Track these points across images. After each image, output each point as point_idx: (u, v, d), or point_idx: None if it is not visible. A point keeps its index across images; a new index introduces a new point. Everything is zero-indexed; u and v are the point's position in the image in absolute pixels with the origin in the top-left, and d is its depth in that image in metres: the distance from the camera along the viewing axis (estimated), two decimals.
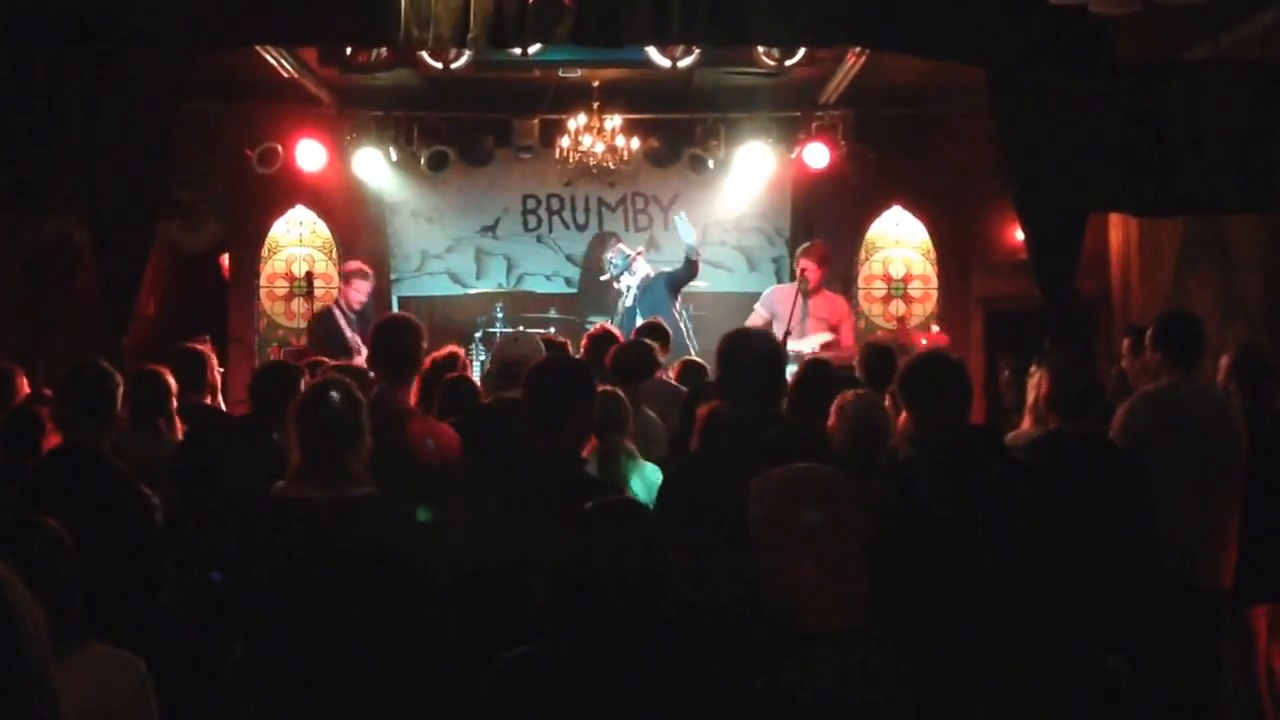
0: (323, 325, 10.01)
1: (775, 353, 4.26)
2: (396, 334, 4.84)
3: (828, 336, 9.13)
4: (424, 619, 3.92)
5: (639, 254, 10.27)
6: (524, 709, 2.74)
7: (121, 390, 4.53)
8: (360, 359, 9.25)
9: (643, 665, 2.72)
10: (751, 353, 4.14)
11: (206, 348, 6.99)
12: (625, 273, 10.10)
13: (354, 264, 10.58)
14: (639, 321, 9.11)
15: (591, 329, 7.53)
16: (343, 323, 9.87)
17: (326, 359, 9.10)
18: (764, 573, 2.83)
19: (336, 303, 10.25)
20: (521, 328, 10.22)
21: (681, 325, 10.05)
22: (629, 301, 10.03)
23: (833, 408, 4.96)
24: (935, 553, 3.80)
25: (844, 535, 2.79)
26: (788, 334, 8.74)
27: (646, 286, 9.97)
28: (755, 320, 9.35)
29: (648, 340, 6.82)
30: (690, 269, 10.04)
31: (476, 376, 9.64)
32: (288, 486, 3.89)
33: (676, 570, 3.01)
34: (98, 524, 4.04)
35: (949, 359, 4.46)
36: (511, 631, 3.00)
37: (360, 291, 10.15)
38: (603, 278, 10.47)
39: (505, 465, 4.17)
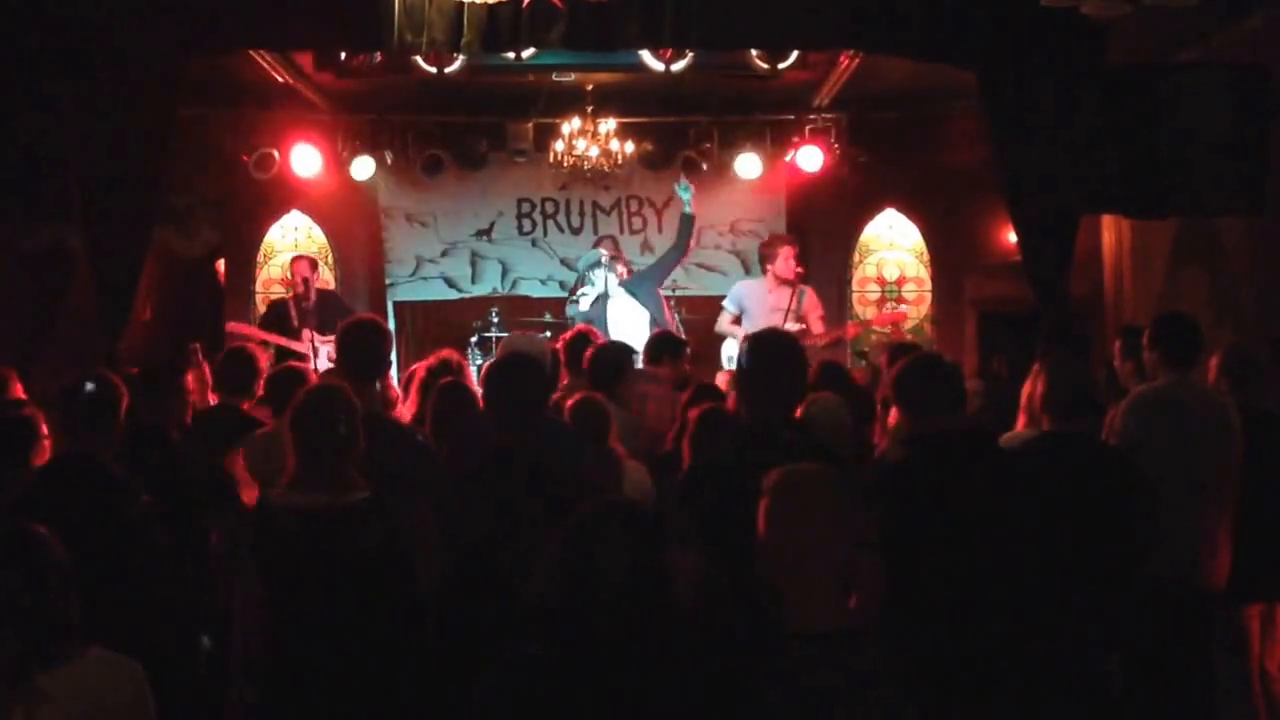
0: (272, 312, 10.19)
1: (797, 356, 4.25)
2: (363, 335, 4.83)
3: (799, 326, 9.17)
4: (421, 622, 3.94)
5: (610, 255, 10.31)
6: (517, 712, 2.74)
7: (126, 400, 4.55)
8: (302, 346, 9.39)
9: (636, 667, 2.73)
10: (776, 356, 4.14)
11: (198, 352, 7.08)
12: (587, 280, 10.13)
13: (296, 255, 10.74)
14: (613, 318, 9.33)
15: (566, 332, 7.54)
16: (292, 311, 9.94)
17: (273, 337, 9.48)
18: (768, 569, 2.84)
19: (292, 297, 10.27)
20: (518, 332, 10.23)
21: (676, 323, 10.10)
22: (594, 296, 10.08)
23: (800, 411, 4.92)
24: (927, 553, 3.81)
25: (847, 535, 2.81)
26: None
27: (633, 284, 10.00)
28: (725, 318, 9.36)
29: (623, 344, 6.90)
30: (687, 225, 10.10)
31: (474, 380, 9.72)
32: (283, 492, 3.91)
33: (693, 572, 3.01)
34: (99, 532, 4.06)
35: (942, 360, 4.46)
36: (505, 634, 3.00)
37: (297, 273, 10.16)
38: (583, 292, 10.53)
39: (488, 466, 4.19)
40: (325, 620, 3.77)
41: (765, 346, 4.21)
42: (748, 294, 9.49)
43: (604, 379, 6.10)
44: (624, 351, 6.58)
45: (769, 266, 9.43)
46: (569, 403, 5.43)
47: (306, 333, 9.72)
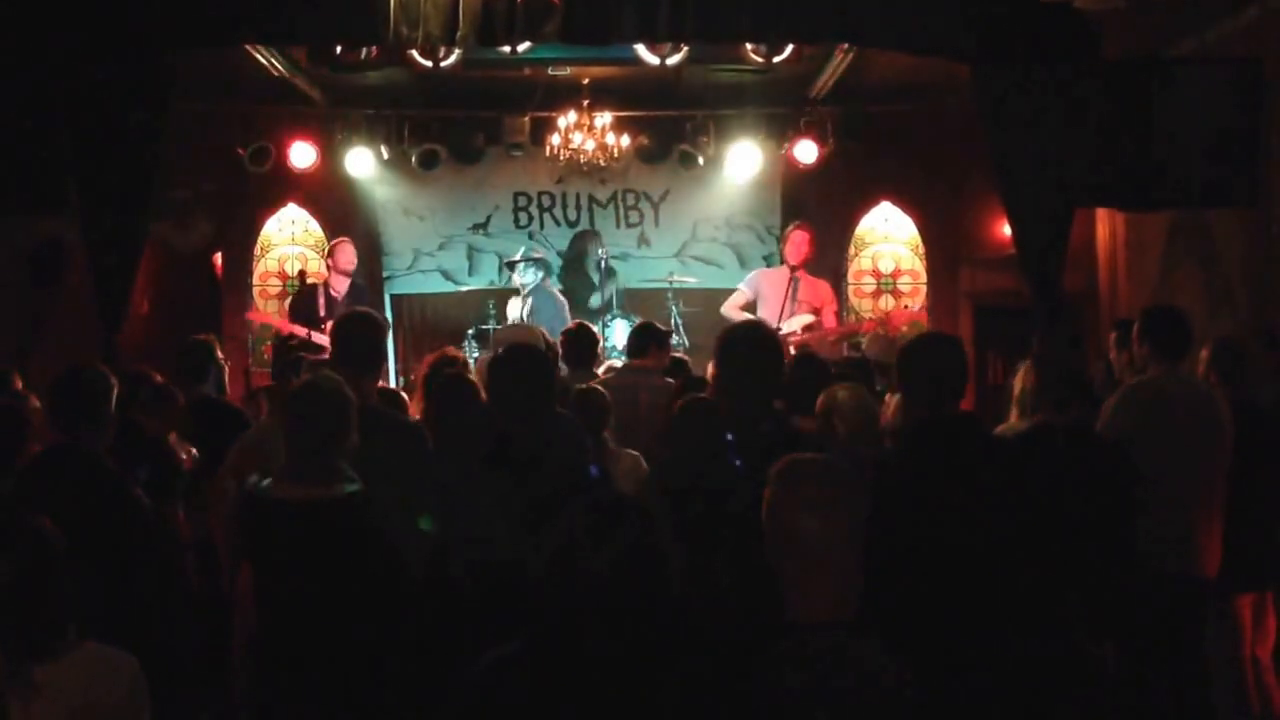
0: (301, 298, 10.10)
1: (775, 347, 4.25)
2: (359, 328, 4.84)
3: (810, 319, 9.19)
4: (412, 616, 3.95)
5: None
6: (511, 709, 2.74)
7: (116, 391, 4.56)
8: (323, 338, 9.41)
9: (633, 663, 2.73)
10: (751, 347, 4.15)
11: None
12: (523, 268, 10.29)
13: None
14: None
15: (566, 326, 7.61)
16: (321, 300, 9.91)
17: (299, 329, 9.40)
18: (773, 560, 2.84)
19: (325, 282, 10.23)
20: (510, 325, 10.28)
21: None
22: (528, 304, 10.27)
23: (820, 401, 4.93)
24: (917, 543, 3.82)
25: (848, 526, 2.82)
26: (778, 329, 8.78)
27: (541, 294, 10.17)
28: (736, 299, 9.39)
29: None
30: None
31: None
32: (275, 485, 3.92)
33: (672, 565, 3.01)
34: (91, 525, 4.07)
35: (940, 344, 4.35)
36: (498, 629, 3.01)
37: (346, 255, 10.12)
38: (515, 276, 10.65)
39: (491, 459, 4.20)
40: (314, 612, 3.78)
41: (740, 338, 4.22)
42: (765, 280, 9.53)
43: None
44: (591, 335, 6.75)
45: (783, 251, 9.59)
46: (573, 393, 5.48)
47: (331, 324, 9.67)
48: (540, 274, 10.27)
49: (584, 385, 5.54)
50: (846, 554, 2.79)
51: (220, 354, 6.46)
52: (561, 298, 10.36)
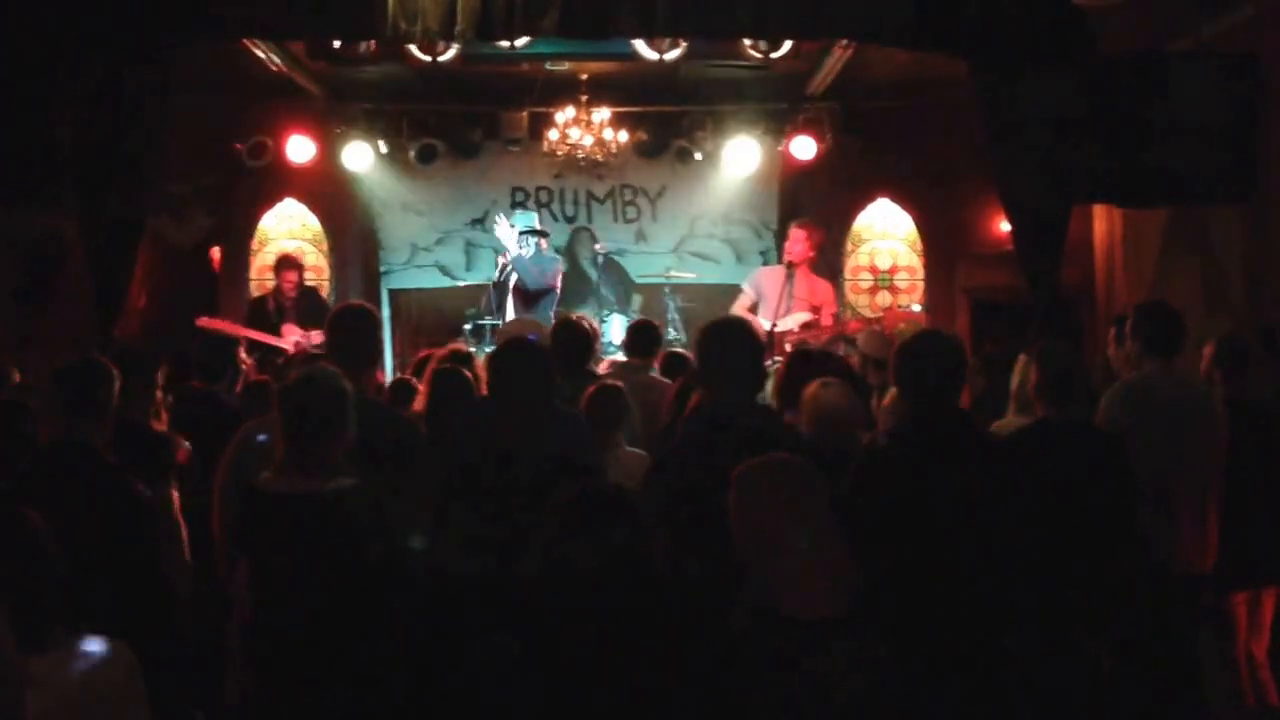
0: (254, 312, 10.24)
1: (754, 342, 4.26)
2: (356, 322, 4.83)
3: (807, 316, 9.18)
4: (407, 609, 3.95)
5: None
6: (506, 703, 2.75)
7: (117, 385, 4.55)
8: (284, 343, 9.55)
9: (625, 656, 2.73)
10: (730, 343, 4.16)
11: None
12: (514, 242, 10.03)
13: (281, 254, 10.77)
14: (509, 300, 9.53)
15: (557, 319, 7.58)
16: (271, 309, 10.09)
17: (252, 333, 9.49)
18: (744, 561, 2.85)
19: (273, 293, 10.34)
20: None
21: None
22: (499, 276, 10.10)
23: (803, 396, 4.92)
24: (908, 541, 3.82)
25: (819, 524, 2.82)
26: (774, 326, 8.78)
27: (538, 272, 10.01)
28: (742, 301, 9.37)
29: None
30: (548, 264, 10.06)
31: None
32: (272, 479, 3.92)
33: (660, 560, 3.02)
34: (90, 519, 4.08)
35: (939, 340, 4.34)
36: (492, 621, 3.01)
37: (286, 280, 10.23)
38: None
39: (476, 454, 4.21)
40: (310, 606, 3.78)
41: (718, 334, 4.22)
42: (764, 278, 9.52)
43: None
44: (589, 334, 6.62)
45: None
46: (588, 390, 5.43)
47: (288, 328, 9.79)
48: (533, 248, 10.08)
49: (598, 384, 5.49)
50: (819, 551, 2.79)
51: (243, 355, 6.46)
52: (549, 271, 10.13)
